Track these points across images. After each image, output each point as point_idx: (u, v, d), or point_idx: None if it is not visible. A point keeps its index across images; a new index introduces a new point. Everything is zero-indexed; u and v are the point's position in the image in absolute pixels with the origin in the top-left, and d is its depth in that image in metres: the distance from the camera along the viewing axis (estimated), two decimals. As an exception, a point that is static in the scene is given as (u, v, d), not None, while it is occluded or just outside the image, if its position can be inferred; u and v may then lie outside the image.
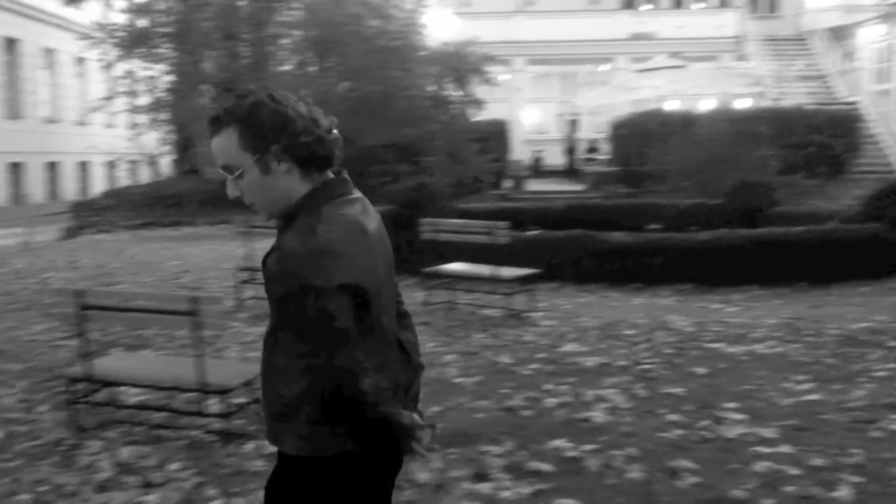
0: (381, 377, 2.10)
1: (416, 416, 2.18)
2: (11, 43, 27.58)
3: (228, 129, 2.08)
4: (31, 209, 16.97)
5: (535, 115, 29.87)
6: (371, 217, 2.22)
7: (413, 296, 9.27)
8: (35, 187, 27.32)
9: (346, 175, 2.22)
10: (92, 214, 19.30)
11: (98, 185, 30.99)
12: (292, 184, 2.12)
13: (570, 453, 4.65)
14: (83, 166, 32.07)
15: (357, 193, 2.22)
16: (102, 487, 4.33)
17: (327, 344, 2.02)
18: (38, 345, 7.49)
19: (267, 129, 2.05)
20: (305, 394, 2.09)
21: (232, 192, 2.15)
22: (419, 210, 10.16)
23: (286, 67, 20.43)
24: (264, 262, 2.13)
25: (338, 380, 2.04)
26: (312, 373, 2.06)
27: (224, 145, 2.09)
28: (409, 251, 10.33)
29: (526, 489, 4.21)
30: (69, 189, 30.72)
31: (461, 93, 20.27)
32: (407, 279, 10.25)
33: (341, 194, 2.16)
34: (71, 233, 18.17)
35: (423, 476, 4.32)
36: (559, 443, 4.79)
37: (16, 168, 28.02)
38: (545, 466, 4.48)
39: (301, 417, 2.12)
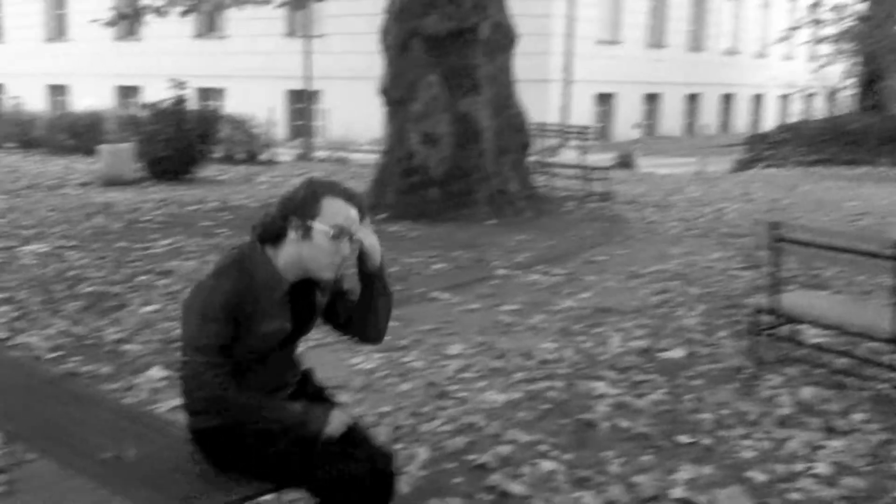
0: None
1: None
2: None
3: None
4: (704, 140, 17.58)
5: None
6: None
7: None
8: (709, 119, 28.33)
9: None
10: (765, 148, 19.26)
11: (770, 119, 30.97)
12: None
13: None
14: (757, 99, 32.29)
15: None
16: (782, 422, 4.25)
17: None
18: (714, 272, 7.70)
19: None
20: None
21: None
22: None
23: None
24: None
25: None
26: None
27: None
28: None
29: None
30: (741, 122, 31.25)
31: None
32: None
33: None
34: (742, 165, 18.42)
35: None
36: None
37: (692, 99, 29.36)
38: None
39: None
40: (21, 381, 3.40)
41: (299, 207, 2.51)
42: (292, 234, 2.51)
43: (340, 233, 2.50)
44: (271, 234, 2.55)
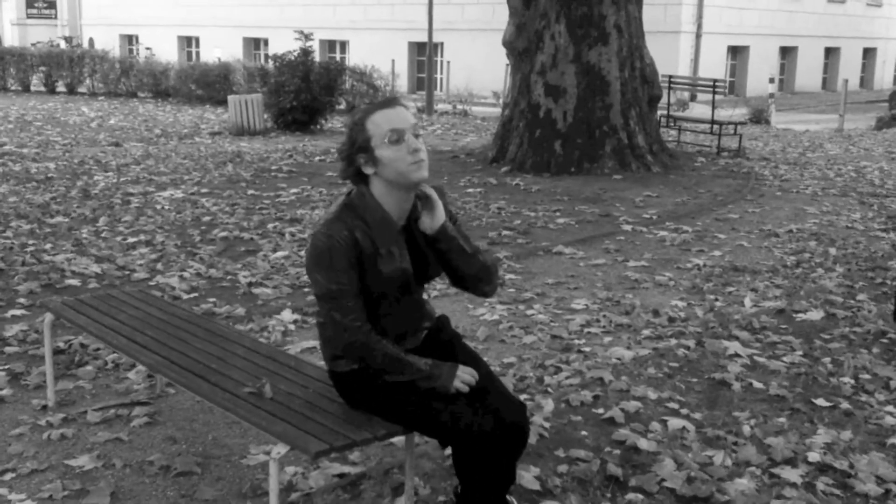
0: None
1: None
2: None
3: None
4: (844, 96, 16.70)
5: None
6: None
7: None
8: (849, 73, 26.87)
9: None
10: (909, 104, 18.16)
11: (915, 74, 29.20)
12: None
13: None
14: (900, 53, 30.48)
15: None
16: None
17: None
18: (854, 233, 7.34)
19: None
20: None
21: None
22: None
23: None
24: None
25: None
26: None
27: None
28: None
29: None
30: (884, 77, 29.60)
31: None
32: None
33: None
34: (885, 123, 17.44)
35: None
36: None
37: (830, 53, 27.93)
38: None
39: None
40: (162, 319, 3.53)
41: (354, 144, 2.53)
42: (369, 170, 2.53)
43: (397, 135, 2.48)
44: (357, 179, 2.57)
